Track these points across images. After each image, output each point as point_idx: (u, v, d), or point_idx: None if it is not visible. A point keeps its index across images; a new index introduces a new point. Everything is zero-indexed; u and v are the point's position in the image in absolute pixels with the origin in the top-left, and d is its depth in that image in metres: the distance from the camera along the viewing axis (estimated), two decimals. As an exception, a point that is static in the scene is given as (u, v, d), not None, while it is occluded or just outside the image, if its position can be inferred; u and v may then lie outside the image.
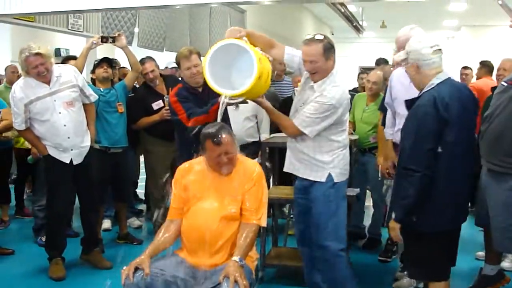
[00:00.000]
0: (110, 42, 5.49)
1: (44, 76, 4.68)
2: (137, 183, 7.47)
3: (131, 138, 5.80)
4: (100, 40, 5.43)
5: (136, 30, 9.32)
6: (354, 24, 18.18)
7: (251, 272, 3.34)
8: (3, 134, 5.82)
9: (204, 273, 3.28)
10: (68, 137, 4.76)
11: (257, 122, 5.81)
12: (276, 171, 5.32)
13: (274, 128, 5.79)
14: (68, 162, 4.82)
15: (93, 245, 5.22)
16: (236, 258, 3.12)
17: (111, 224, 6.38)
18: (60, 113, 4.72)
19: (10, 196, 6.70)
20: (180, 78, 5.38)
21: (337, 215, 3.87)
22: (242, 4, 10.75)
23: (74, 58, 5.85)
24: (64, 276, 4.89)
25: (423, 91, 3.35)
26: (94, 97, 5.08)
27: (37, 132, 4.80)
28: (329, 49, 3.73)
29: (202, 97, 4.40)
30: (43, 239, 5.40)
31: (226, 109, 4.12)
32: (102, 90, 5.52)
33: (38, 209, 5.72)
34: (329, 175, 3.82)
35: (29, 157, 6.07)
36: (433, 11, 16.16)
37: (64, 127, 4.74)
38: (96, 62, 5.72)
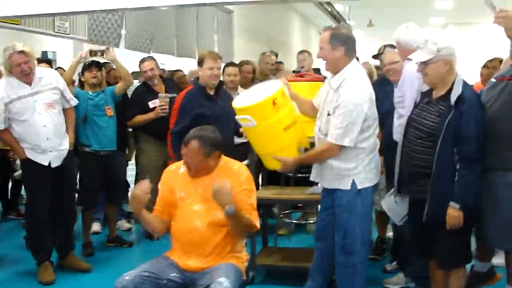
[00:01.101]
0: (99, 56, 5.52)
1: (27, 76, 4.67)
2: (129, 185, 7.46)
3: (120, 141, 5.79)
4: (89, 53, 5.47)
5: (123, 32, 9.29)
6: (342, 23, 18.22)
7: (242, 273, 3.35)
8: None
9: (195, 275, 3.28)
10: (47, 138, 4.74)
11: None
12: (265, 171, 5.31)
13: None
14: (46, 164, 4.78)
15: (69, 249, 5.18)
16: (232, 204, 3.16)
17: (100, 227, 6.35)
18: (40, 113, 4.71)
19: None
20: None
21: (363, 222, 3.80)
22: (229, 4, 10.74)
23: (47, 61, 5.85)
24: (53, 280, 4.85)
25: (457, 87, 3.45)
26: (74, 101, 5.09)
27: (15, 133, 4.76)
28: (336, 38, 3.67)
29: (212, 99, 4.78)
30: None
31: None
32: (90, 94, 5.52)
33: None
34: (353, 182, 3.72)
35: (16, 173, 6.03)
36: (420, 9, 16.28)
37: (44, 128, 4.72)
38: (86, 63, 5.72)
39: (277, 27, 16.98)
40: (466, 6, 16.24)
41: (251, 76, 6.38)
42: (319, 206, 5.36)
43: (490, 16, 3.43)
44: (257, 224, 3.37)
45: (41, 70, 4.89)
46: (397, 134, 4.04)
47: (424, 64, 3.52)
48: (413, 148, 3.62)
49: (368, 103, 3.64)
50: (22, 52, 4.61)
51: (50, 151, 4.78)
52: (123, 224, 6.51)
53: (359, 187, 3.71)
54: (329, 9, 15.86)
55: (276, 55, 8.25)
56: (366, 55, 7.84)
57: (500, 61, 6.13)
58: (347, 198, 3.73)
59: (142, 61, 5.94)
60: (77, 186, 5.63)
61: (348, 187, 3.72)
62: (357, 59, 3.96)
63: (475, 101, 3.47)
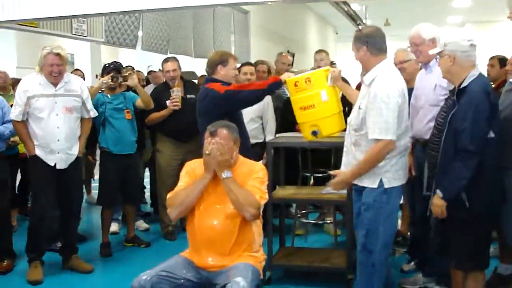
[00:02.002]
0: (121, 82, 5.55)
1: (55, 77, 4.82)
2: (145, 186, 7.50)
3: (138, 143, 5.84)
4: (111, 79, 5.50)
5: (140, 33, 9.34)
6: (358, 22, 18.14)
7: (259, 272, 3.35)
8: (11, 139, 5.84)
9: (211, 274, 3.30)
10: (58, 140, 4.82)
11: (262, 123, 5.84)
12: (282, 171, 5.32)
13: (282, 129, 5.83)
14: (52, 164, 4.85)
15: (72, 252, 5.22)
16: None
17: (118, 227, 6.39)
18: (57, 115, 4.82)
19: (17, 201, 6.69)
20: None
21: (388, 222, 3.78)
22: (245, 4, 10.75)
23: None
24: (41, 280, 4.88)
25: (466, 81, 3.44)
26: (94, 113, 5.17)
27: (29, 129, 4.86)
28: (357, 40, 3.81)
29: None
30: (58, 245, 5.43)
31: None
32: (109, 97, 5.58)
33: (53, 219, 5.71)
34: (380, 181, 3.70)
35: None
36: (437, 7, 16.16)
37: (57, 129, 4.82)
38: (105, 66, 5.77)
39: (293, 27, 16.95)
40: (483, 4, 16.10)
41: (266, 75, 6.39)
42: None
43: (507, 14, 3.43)
44: (261, 201, 3.34)
45: (69, 76, 5.04)
46: None
47: (439, 57, 3.60)
48: (432, 146, 3.64)
49: (401, 98, 3.63)
50: (58, 54, 4.79)
51: (58, 153, 4.85)
52: (141, 224, 6.55)
53: (386, 186, 3.69)
54: (346, 9, 15.79)
55: (293, 55, 8.26)
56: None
57: (500, 59, 6.11)
58: (373, 197, 3.71)
59: (166, 61, 6.03)
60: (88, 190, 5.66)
61: (376, 185, 3.69)
62: None
63: (477, 94, 3.39)
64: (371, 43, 3.74)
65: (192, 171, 3.52)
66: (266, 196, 3.43)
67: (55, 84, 4.85)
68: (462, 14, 18.79)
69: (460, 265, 3.67)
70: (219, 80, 4.64)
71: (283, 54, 7.08)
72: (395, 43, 5.82)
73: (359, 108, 3.72)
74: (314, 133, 4.35)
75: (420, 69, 4.47)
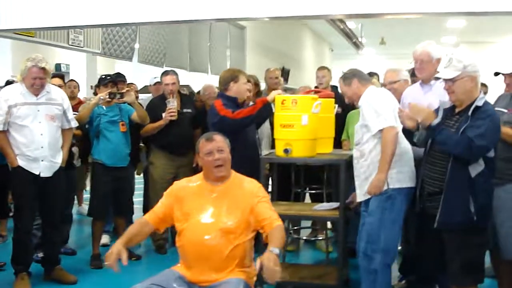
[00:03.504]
0: (118, 98, 5.52)
1: (35, 89, 4.82)
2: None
3: (132, 156, 5.83)
4: (108, 96, 5.48)
5: (137, 46, 9.37)
6: (354, 40, 18.25)
7: (250, 288, 3.34)
8: None
9: (203, 288, 3.28)
10: (42, 147, 4.80)
11: (258, 138, 5.84)
12: (275, 186, 5.32)
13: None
14: (37, 173, 4.82)
15: (54, 263, 5.19)
16: (272, 248, 3.08)
17: (109, 239, 6.36)
18: (40, 122, 4.81)
19: (8, 211, 6.66)
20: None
21: (391, 229, 3.87)
22: (241, 20, 10.80)
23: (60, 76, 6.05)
24: None
25: (479, 101, 3.51)
26: (74, 123, 5.17)
27: (11, 139, 4.82)
28: (346, 78, 4.21)
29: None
30: (39, 255, 5.39)
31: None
32: (104, 108, 5.56)
33: (35, 228, 5.66)
34: (386, 182, 3.87)
35: None
36: (432, 28, 16.25)
37: (41, 136, 4.80)
38: (101, 77, 5.77)
39: (289, 44, 17.02)
40: (478, 25, 16.23)
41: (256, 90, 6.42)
42: (328, 224, 5.39)
43: (503, 34, 3.50)
44: (282, 224, 3.38)
45: (50, 86, 5.02)
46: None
47: (451, 82, 3.58)
48: (432, 161, 3.68)
49: (386, 97, 4.04)
50: (43, 69, 4.78)
51: (42, 160, 4.83)
52: (132, 237, 6.50)
53: (390, 186, 3.85)
54: (341, 27, 15.87)
55: (288, 71, 8.27)
56: (378, 72, 7.86)
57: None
58: (378, 202, 3.86)
59: (165, 73, 6.07)
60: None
61: (385, 187, 3.86)
62: (376, 74, 4.31)
63: (495, 114, 3.54)
64: (358, 76, 4.16)
65: (176, 194, 3.49)
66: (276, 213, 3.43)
67: (36, 94, 4.85)
68: (457, 35, 18.93)
69: (456, 281, 3.68)
70: (230, 96, 4.93)
71: (271, 69, 7.08)
72: (389, 62, 5.86)
73: (358, 125, 4.08)
74: (286, 151, 4.57)
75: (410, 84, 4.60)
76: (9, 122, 4.78)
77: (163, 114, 5.80)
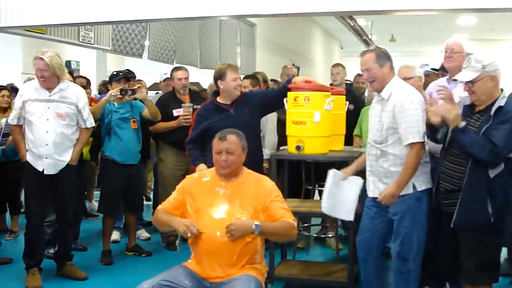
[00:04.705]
0: (130, 95, 5.50)
1: (42, 82, 4.82)
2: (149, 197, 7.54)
3: (143, 152, 5.84)
4: (119, 92, 5.47)
5: (147, 43, 9.36)
6: (364, 38, 18.18)
7: (261, 285, 3.33)
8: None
9: (213, 285, 3.28)
10: (46, 144, 4.80)
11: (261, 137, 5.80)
12: (285, 184, 5.31)
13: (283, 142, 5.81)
14: (40, 170, 4.84)
15: (66, 259, 5.22)
16: (255, 222, 3.18)
17: (119, 236, 6.38)
18: (47, 120, 4.81)
19: (20, 207, 6.70)
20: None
21: (420, 229, 3.88)
22: (251, 17, 10.79)
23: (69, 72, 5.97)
24: (39, 286, 4.88)
25: (501, 100, 3.49)
26: (90, 123, 5.08)
27: (25, 134, 4.90)
28: (381, 56, 3.92)
29: (225, 110, 4.74)
30: (50, 251, 5.44)
31: None
32: (116, 105, 5.57)
33: (46, 224, 5.68)
34: (413, 186, 3.84)
35: None
36: (442, 25, 16.21)
37: (46, 134, 4.80)
38: (113, 73, 5.78)
39: (299, 41, 17.00)
40: (489, 23, 16.16)
41: (265, 86, 6.40)
42: (338, 221, 5.36)
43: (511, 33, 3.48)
44: (294, 221, 3.40)
45: (67, 84, 4.98)
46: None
47: (470, 83, 3.55)
48: (451, 159, 3.67)
49: (421, 106, 3.81)
50: (41, 59, 4.76)
51: (46, 158, 4.83)
52: (142, 233, 6.53)
53: (418, 189, 3.83)
54: (352, 24, 15.84)
55: (298, 68, 8.27)
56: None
57: None
58: (408, 205, 3.84)
59: (177, 69, 6.07)
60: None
61: (411, 190, 3.83)
62: None
63: None
64: (391, 61, 3.96)
65: (188, 189, 3.49)
66: (290, 213, 3.44)
67: (49, 90, 4.85)
68: (467, 32, 18.82)
69: (470, 280, 3.67)
70: (213, 95, 4.88)
71: (288, 66, 7.09)
72: (400, 59, 5.83)
73: (378, 121, 3.91)
74: (298, 147, 4.56)
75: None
76: (24, 117, 4.84)
77: (174, 112, 5.79)
